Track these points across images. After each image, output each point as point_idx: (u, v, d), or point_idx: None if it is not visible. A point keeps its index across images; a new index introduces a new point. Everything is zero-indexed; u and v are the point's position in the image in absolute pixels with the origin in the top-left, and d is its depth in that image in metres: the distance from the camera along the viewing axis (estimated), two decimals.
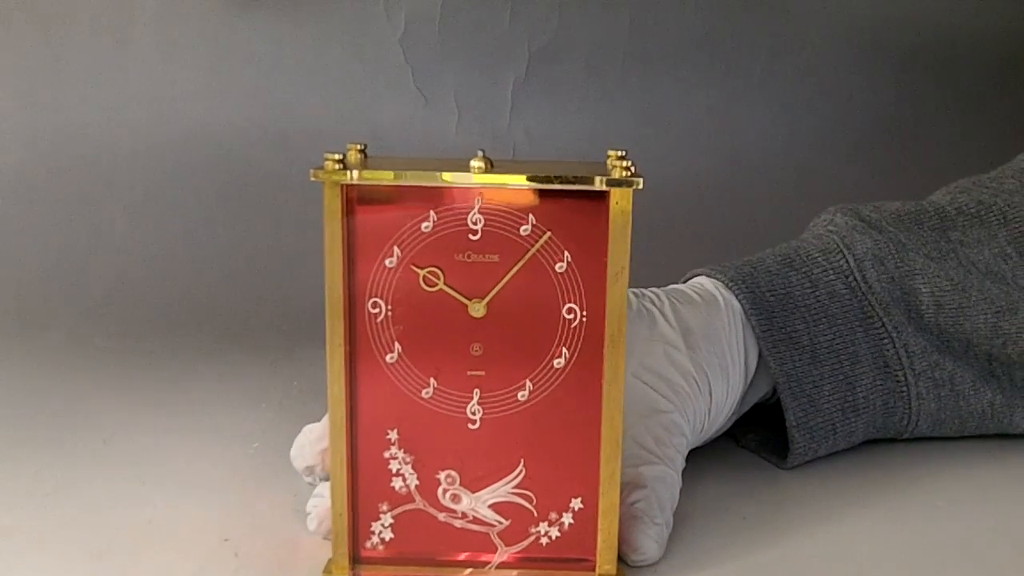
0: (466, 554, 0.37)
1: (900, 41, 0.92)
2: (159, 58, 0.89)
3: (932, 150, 0.93)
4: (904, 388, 0.49)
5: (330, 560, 0.37)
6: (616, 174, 0.34)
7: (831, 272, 0.49)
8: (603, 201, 0.34)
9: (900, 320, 0.49)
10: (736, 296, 0.48)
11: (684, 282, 0.52)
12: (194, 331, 0.72)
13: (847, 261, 0.49)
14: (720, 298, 0.48)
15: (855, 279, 0.49)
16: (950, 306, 0.50)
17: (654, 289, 0.49)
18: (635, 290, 0.49)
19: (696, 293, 0.49)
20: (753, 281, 0.49)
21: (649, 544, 0.39)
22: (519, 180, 0.34)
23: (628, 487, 0.40)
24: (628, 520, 0.39)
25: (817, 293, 0.49)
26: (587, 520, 0.37)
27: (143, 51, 0.89)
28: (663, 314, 0.47)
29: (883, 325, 0.49)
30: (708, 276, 0.50)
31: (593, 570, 0.37)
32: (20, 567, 0.39)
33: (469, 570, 0.37)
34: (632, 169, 0.34)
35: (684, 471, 0.44)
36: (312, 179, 0.34)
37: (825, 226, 0.53)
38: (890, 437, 0.51)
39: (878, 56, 0.91)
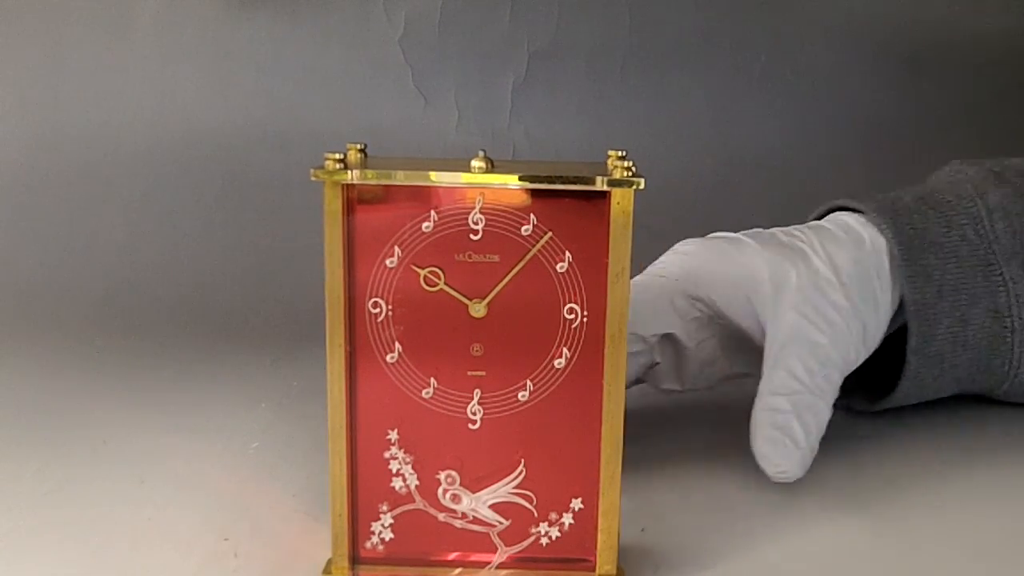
0: (466, 554, 0.37)
1: (901, 41, 0.92)
2: (159, 58, 0.89)
3: (932, 150, 0.93)
4: (1009, 335, 0.52)
5: (329, 560, 0.37)
6: (617, 174, 0.34)
7: (963, 216, 0.52)
8: (604, 201, 0.34)
9: (1017, 272, 0.52)
10: (879, 229, 0.51)
11: (817, 217, 0.55)
12: (194, 331, 0.72)
13: (979, 209, 0.52)
14: (865, 235, 0.51)
15: (984, 227, 0.52)
16: None
17: (799, 227, 0.52)
18: (783, 229, 0.52)
19: (839, 230, 0.51)
20: (895, 215, 0.51)
21: (793, 464, 0.44)
22: (520, 180, 0.34)
23: (776, 411, 0.45)
24: (773, 441, 0.44)
25: (950, 234, 0.52)
26: (587, 520, 0.37)
27: (143, 51, 0.89)
28: (814, 250, 0.49)
29: (1001, 274, 0.51)
30: (849, 211, 0.53)
31: (593, 570, 0.37)
32: (20, 567, 0.39)
33: (469, 571, 0.37)
34: (633, 169, 0.34)
35: (690, 470, 0.45)
36: (312, 179, 0.34)
37: (955, 175, 0.55)
38: (990, 389, 0.54)
39: (878, 56, 0.91)
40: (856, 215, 0.52)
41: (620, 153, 0.35)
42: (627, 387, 0.50)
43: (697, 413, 0.57)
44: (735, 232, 0.51)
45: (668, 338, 0.51)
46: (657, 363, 0.52)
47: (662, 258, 0.52)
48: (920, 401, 0.54)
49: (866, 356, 0.50)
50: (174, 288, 0.80)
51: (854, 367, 0.50)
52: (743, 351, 0.52)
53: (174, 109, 0.89)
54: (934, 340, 0.51)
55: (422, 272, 0.35)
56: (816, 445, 0.46)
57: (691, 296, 0.50)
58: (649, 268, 0.52)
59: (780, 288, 0.48)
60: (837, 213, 0.54)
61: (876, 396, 0.55)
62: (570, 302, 0.35)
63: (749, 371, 0.52)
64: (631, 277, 0.35)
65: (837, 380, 0.48)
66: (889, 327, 0.52)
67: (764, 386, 0.47)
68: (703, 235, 0.53)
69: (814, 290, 0.48)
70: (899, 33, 0.92)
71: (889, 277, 0.50)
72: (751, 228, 0.52)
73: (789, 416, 0.45)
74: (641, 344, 0.50)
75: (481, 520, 0.37)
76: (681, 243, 0.52)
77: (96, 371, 0.63)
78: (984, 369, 0.53)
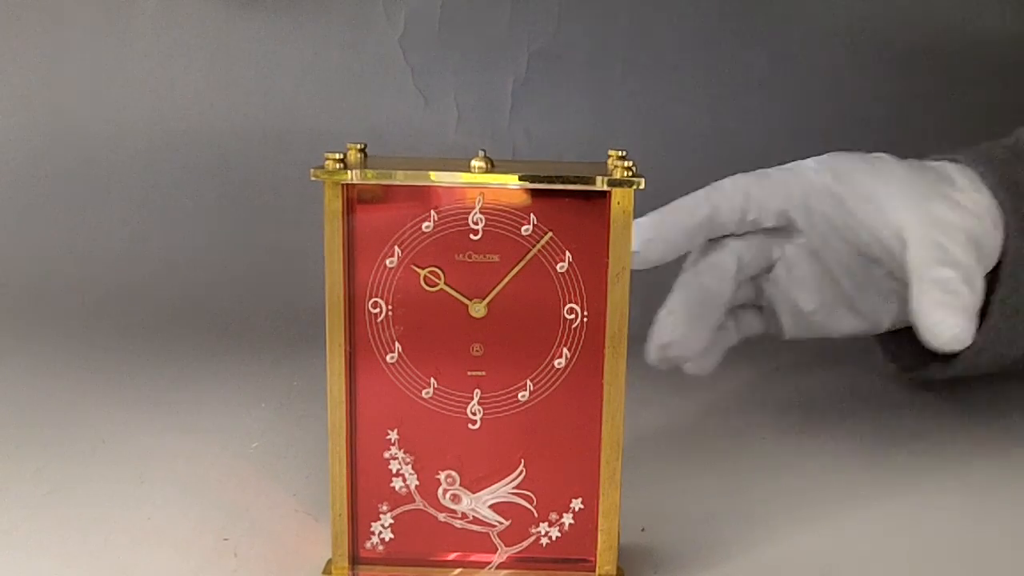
0: (466, 554, 0.37)
1: (901, 41, 0.91)
2: (159, 58, 0.89)
3: (933, 150, 0.93)
4: None
5: (329, 560, 0.37)
6: (617, 174, 0.34)
7: None
8: (604, 201, 0.34)
9: None
10: (986, 178, 0.49)
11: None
12: (194, 331, 0.72)
13: None
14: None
15: None
16: None
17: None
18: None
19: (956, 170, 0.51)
20: (1007, 165, 0.50)
21: (966, 326, 0.42)
22: (520, 180, 0.34)
23: (942, 279, 0.43)
24: (944, 305, 0.43)
25: None
26: (587, 520, 0.37)
27: (143, 51, 0.89)
28: (944, 169, 0.50)
29: None
30: (961, 165, 0.51)
31: (593, 571, 0.37)
32: (20, 567, 0.39)
33: (469, 571, 0.37)
34: (633, 169, 0.34)
35: (690, 470, 0.45)
36: (312, 178, 0.34)
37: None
38: None
39: (879, 56, 0.91)
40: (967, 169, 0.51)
41: (620, 153, 0.35)
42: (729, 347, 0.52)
43: (697, 413, 0.57)
44: None
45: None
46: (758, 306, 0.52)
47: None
48: (986, 372, 0.53)
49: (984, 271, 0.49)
50: (174, 288, 0.80)
51: (989, 268, 0.49)
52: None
53: (174, 109, 0.89)
54: (1019, 291, 0.49)
55: (422, 272, 0.35)
56: (978, 305, 0.45)
57: (827, 191, 0.49)
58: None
59: (914, 188, 0.47)
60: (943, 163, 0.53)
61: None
62: (570, 302, 0.35)
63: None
64: (630, 280, 0.35)
65: (983, 265, 0.47)
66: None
67: (915, 268, 0.45)
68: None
69: (946, 194, 0.47)
70: (899, 33, 0.92)
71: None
72: None
73: (956, 281, 0.44)
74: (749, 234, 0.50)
75: (481, 520, 0.37)
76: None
77: (96, 371, 0.63)
78: None
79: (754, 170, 0.51)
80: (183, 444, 0.51)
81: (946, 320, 0.43)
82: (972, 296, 0.44)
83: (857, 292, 0.51)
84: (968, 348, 0.48)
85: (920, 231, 0.46)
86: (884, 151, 0.53)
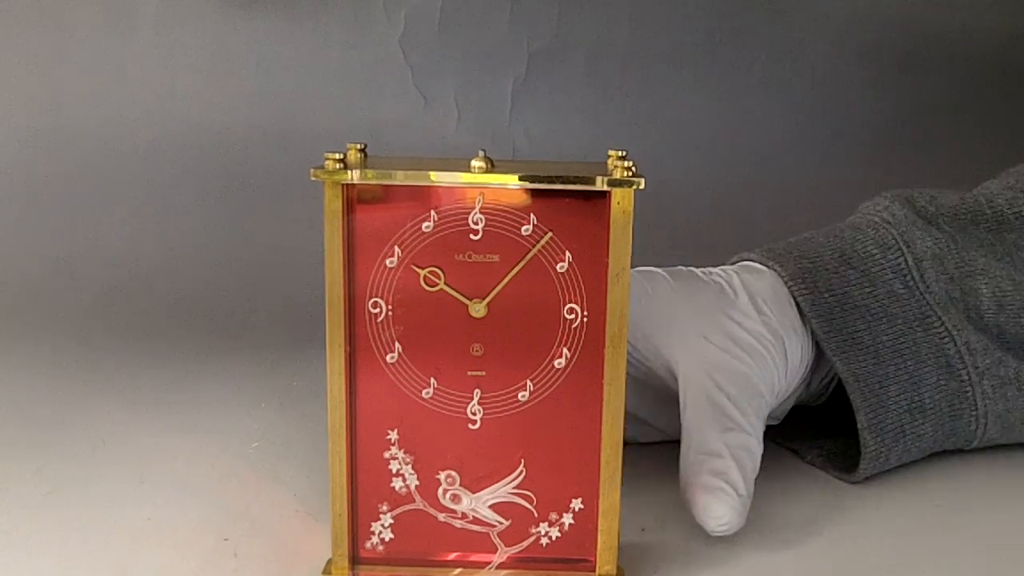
0: (466, 554, 0.37)
1: (901, 41, 0.92)
2: (159, 58, 0.89)
3: (933, 150, 0.93)
4: (968, 388, 0.47)
5: (329, 560, 0.37)
6: (617, 174, 0.34)
7: (889, 271, 0.48)
8: (604, 201, 0.34)
9: (959, 319, 0.48)
10: (795, 296, 0.47)
11: (732, 264, 0.52)
12: (194, 331, 0.72)
13: (906, 260, 0.48)
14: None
15: (913, 279, 0.48)
16: (1012, 306, 0.49)
17: (720, 267, 0.49)
18: (702, 269, 0.49)
19: (760, 265, 0.49)
20: (812, 280, 0.47)
21: (732, 516, 0.39)
22: (520, 180, 0.34)
23: (710, 456, 0.40)
24: (709, 491, 0.39)
25: (876, 292, 0.48)
26: (587, 520, 0.37)
27: (143, 51, 0.89)
28: (731, 285, 0.47)
29: (943, 324, 0.47)
30: (763, 265, 0.49)
31: (593, 571, 0.37)
32: (20, 567, 0.39)
33: (469, 571, 0.37)
34: (633, 169, 0.34)
35: None
36: (312, 178, 0.34)
37: (880, 214, 0.51)
38: (959, 447, 0.49)
39: (879, 56, 0.91)
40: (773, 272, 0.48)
41: (620, 153, 0.35)
42: None
43: None
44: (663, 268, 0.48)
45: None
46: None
47: None
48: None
49: (796, 388, 0.47)
50: (174, 288, 0.80)
51: (779, 401, 0.47)
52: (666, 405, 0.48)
53: (174, 109, 0.89)
54: (887, 411, 0.46)
55: (422, 272, 0.35)
56: (753, 490, 0.41)
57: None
58: None
59: (691, 321, 0.44)
60: (751, 263, 0.50)
61: (851, 466, 0.48)
62: (570, 302, 0.35)
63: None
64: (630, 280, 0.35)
65: (765, 412, 0.44)
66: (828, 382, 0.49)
67: (691, 428, 0.42)
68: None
69: (726, 319, 0.45)
70: (898, 34, 0.92)
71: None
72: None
73: (726, 460, 0.40)
74: None
75: (481, 520, 0.37)
76: None
77: (96, 371, 0.63)
78: (949, 433, 0.48)
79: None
80: (183, 444, 0.51)
81: (710, 509, 0.39)
82: (742, 477, 0.40)
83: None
84: (856, 473, 0.46)
85: (695, 383, 0.43)
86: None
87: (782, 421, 0.51)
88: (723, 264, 0.51)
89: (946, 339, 0.47)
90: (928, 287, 0.48)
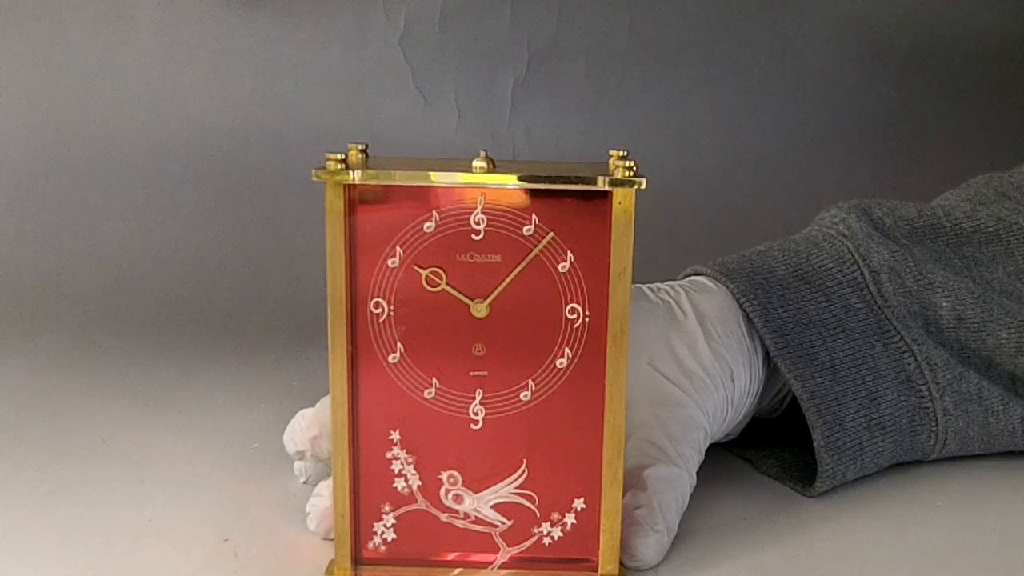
0: (468, 555, 0.37)
1: (900, 41, 0.92)
2: (159, 58, 0.89)
3: (932, 150, 0.93)
4: (929, 403, 0.46)
5: (332, 561, 0.37)
6: (618, 174, 0.34)
7: (846, 285, 0.47)
8: (606, 201, 0.34)
9: (919, 334, 0.47)
10: (747, 311, 0.46)
11: (682, 279, 0.50)
12: (194, 331, 0.72)
13: (862, 273, 0.48)
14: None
15: (870, 293, 0.47)
16: (972, 320, 0.48)
17: (669, 282, 0.48)
18: (649, 285, 0.47)
19: (710, 281, 0.48)
20: (765, 296, 0.46)
21: (648, 552, 0.38)
22: (522, 180, 0.34)
23: (633, 489, 0.39)
24: (629, 525, 0.38)
25: (832, 308, 0.47)
26: (589, 520, 0.37)
27: (143, 51, 0.89)
28: (679, 305, 0.46)
29: (902, 339, 0.47)
30: (713, 280, 0.48)
31: (595, 570, 0.37)
32: (20, 567, 0.39)
33: (471, 571, 0.37)
34: (634, 169, 0.34)
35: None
36: (314, 179, 0.34)
37: (836, 227, 0.50)
38: (917, 459, 0.48)
39: (878, 56, 0.92)
40: (724, 288, 0.47)
41: (622, 153, 0.35)
42: None
43: None
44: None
45: None
46: None
47: None
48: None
49: (747, 411, 0.47)
50: (174, 288, 0.80)
51: (728, 428, 0.46)
52: None
53: (174, 109, 0.89)
54: (844, 429, 0.45)
55: (424, 272, 0.35)
56: (676, 524, 0.40)
57: None
58: None
59: (635, 344, 0.42)
60: (702, 279, 0.49)
61: (808, 478, 0.47)
62: (572, 302, 0.35)
63: None
64: (632, 277, 0.35)
65: (703, 443, 0.43)
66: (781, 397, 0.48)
67: (631, 462, 0.41)
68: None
69: (674, 342, 0.44)
70: (898, 33, 0.92)
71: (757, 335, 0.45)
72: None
73: (648, 495, 0.39)
74: None
75: (483, 520, 0.37)
76: None
77: (96, 371, 0.63)
78: (908, 448, 0.47)
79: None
80: (183, 444, 0.51)
81: (628, 548, 0.38)
82: (662, 515, 0.39)
83: None
84: (813, 488, 0.45)
85: (636, 411, 0.41)
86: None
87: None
88: (675, 279, 0.50)
89: (906, 354, 0.46)
90: (887, 301, 0.47)
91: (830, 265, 0.48)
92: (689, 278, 0.50)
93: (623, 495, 0.37)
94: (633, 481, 0.40)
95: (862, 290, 0.47)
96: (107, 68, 0.89)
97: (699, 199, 0.87)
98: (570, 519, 0.37)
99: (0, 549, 0.40)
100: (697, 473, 0.43)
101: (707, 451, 0.48)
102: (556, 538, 0.37)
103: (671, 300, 0.46)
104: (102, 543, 0.41)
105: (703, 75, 0.91)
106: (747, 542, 0.42)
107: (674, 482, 0.40)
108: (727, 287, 0.47)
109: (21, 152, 0.88)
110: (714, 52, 0.91)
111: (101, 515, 0.43)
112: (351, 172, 0.34)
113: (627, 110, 0.90)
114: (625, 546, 0.38)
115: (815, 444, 0.45)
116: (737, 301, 0.47)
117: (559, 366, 0.36)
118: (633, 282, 0.35)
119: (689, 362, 0.44)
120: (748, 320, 0.46)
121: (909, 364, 0.46)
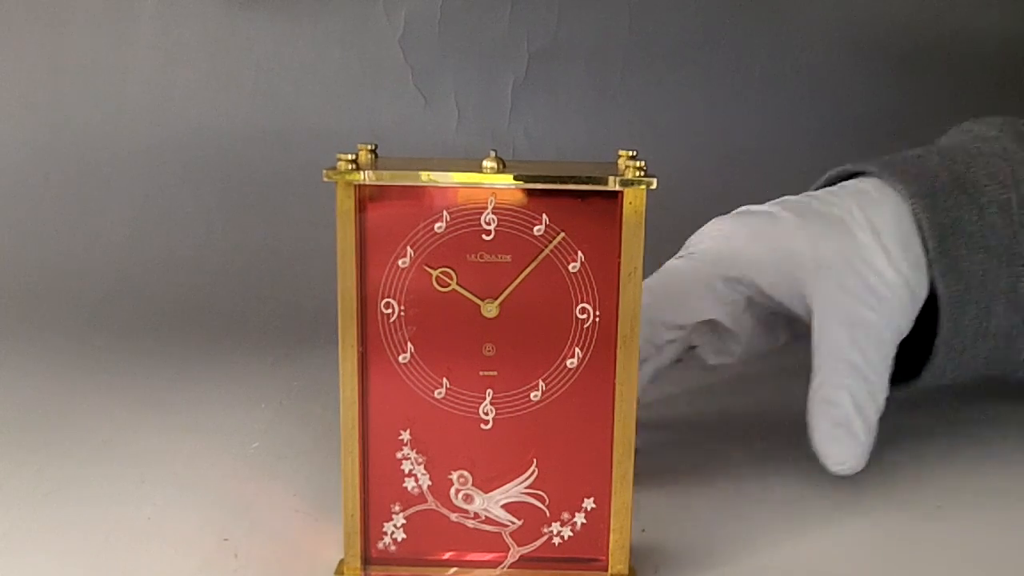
0: (478, 554, 0.37)
1: (900, 41, 0.92)
2: (159, 58, 0.89)
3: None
4: None
5: (342, 560, 0.37)
6: (629, 174, 0.34)
7: (995, 204, 0.50)
8: (616, 201, 0.34)
9: None
10: (915, 214, 0.48)
11: (833, 181, 0.53)
12: (194, 331, 0.72)
13: (1011, 196, 0.50)
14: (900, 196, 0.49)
15: (1012, 216, 0.49)
16: None
17: (833, 190, 0.50)
18: (815, 194, 0.50)
19: (875, 190, 0.49)
20: (932, 200, 0.49)
21: (852, 459, 0.44)
22: (532, 181, 0.34)
23: (833, 405, 0.44)
24: (834, 439, 0.44)
25: (981, 223, 0.49)
26: (599, 520, 0.37)
27: (143, 51, 0.88)
28: (853, 217, 0.48)
29: (1023, 264, 0.49)
30: (878, 183, 0.50)
31: (605, 570, 0.37)
32: (20, 567, 0.38)
33: (481, 571, 0.37)
34: (644, 169, 0.34)
35: (691, 470, 0.44)
36: (325, 179, 0.34)
37: (992, 145, 0.52)
38: (1003, 375, 0.52)
39: (878, 56, 0.92)
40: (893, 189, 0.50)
41: (631, 153, 0.35)
42: (665, 368, 0.51)
43: (696, 412, 0.57)
44: (763, 203, 0.50)
45: (707, 322, 0.50)
46: (695, 347, 0.51)
47: (694, 239, 0.51)
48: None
49: (913, 320, 0.49)
50: (174, 288, 0.80)
51: (904, 335, 0.48)
52: (786, 326, 0.51)
53: (174, 109, 0.88)
54: (960, 332, 0.49)
55: (434, 272, 0.35)
56: (876, 430, 0.45)
57: (731, 279, 0.48)
58: (683, 250, 0.51)
59: (823, 266, 0.46)
60: (869, 178, 0.51)
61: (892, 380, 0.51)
62: (582, 302, 0.35)
63: (793, 341, 0.52)
64: (643, 276, 0.35)
65: (891, 354, 0.47)
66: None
67: (818, 375, 0.46)
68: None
69: (859, 263, 0.47)
70: (897, 33, 0.92)
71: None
72: None
73: (848, 410, 0.45)
74: (678, 332, 0.49)
75: (493, 520, 0.37)
76: (713, 222, 0.51)
77: (96, 371, 0.63)
78: (1002, 359, 0.51)
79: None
80: (183, 444, 0.51)
81: (832, 456, 0.45)
82: (863, 425, 0.45)
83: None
84: (917, 381, 0.50)
85: (831, 334, 0.46)
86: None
87: None
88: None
89: (1021, 279, 0.49)
90: (1022, 225, 0.49)
91: (985, 180, 0.50)
92: (851, 180, 0.51)
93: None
94: (829, 393, 0.45)
95: (1006, 211, 0.49)
96: (107, 68, 0.88)
97: (699, 199, 0.87)
98: (580, 519, 0.37)
99: (0, 549, 0.40)
100: (696, 473, 0.44)
101: (704, 451, 0.48)
102: (566, 538, 0.37)
103: (845, 215, 0.48)
104: (102, 543, 0.40)
105: (703, 75, 0.91)
106: (747, 542, 0.42)
107: (873, 394, 0.45)
108: (896, 189, 0.49)
109: (21, 152, 0.88)
110: (714, 52, 0.91)
111: (101, 515, 0.43)
112: (362, 172, 0.34)
113: (627, 110, 0.90)
114: (829, 455, 0.44)
115: (938, 338, 0.48)
116: (908, 203, 0.49)
117: (569, 366, 0.36)
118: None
119: (878, 286, 0.46)
120: (915, 221, 0.48)
121: (1021, 289, 0.49)
